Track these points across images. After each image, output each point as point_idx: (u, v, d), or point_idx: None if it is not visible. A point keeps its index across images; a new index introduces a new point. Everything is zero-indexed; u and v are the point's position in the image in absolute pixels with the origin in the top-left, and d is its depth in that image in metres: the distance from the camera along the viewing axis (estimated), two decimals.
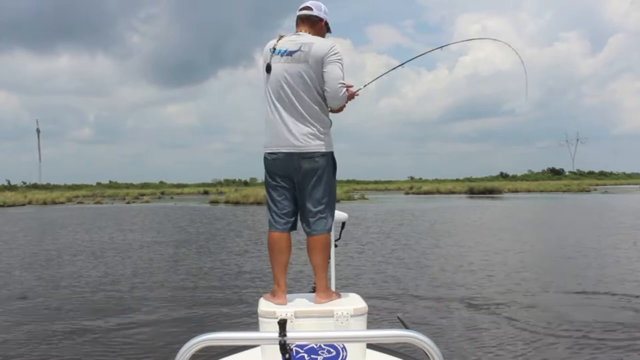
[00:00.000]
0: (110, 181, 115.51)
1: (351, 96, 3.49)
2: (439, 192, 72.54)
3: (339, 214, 3.66)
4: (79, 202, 60.47)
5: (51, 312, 8.82)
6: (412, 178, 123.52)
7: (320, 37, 3.43)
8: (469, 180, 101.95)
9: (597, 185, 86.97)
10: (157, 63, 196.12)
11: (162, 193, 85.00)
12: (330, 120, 3.48)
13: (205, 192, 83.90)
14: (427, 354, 1.67)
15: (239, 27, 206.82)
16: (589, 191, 71.12)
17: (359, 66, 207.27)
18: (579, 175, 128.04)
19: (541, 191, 74.66)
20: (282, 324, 1.73)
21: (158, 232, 22.25)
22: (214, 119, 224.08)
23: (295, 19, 3.56)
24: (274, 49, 3.35)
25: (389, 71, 4.71)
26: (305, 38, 3.36)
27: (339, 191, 53.28)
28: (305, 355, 2.79)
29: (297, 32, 3.46)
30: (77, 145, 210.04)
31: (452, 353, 6.33)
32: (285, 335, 1.70)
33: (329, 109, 3.42)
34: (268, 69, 3.35)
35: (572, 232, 20.32)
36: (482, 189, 68.13)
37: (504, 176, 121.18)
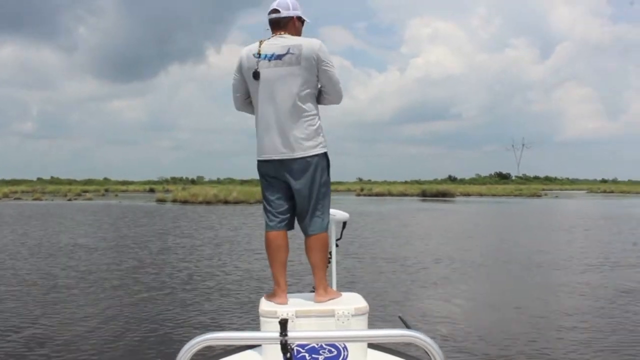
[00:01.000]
0: (52, 177, 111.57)
1: None
2: (390, 194, 71.52)
3: (340, 214, 3.67)
4: (16, 198, 57.41)
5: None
6: (360, 179, 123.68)
7: (304, 38, 3.39)
8: (418, 182, 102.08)
9: (543, 189, 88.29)
10: (105, 57, 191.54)
11: (106, 190, 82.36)
12: None
13: (152, 190, 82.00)
14: (428, 354, 1.65)
15: (190, 22, 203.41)
16: (540, 196, 71.95)
17: None
18: (525, 179, 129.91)
19: (493, 195, 74.81)
20: (283, 323, 1.71)
21: (97, 232, 20.70)
22: (162, 115, 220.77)
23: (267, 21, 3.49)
24: (259, 54, 3.28)
25: None
26: (290, 40, 3.31)
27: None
28: (307, 355, 2.76)
29: (276, 34, 3.39)
30: (19, 139, 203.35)
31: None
32: (286, 334, 1.68)
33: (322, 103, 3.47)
34: (256, 75, 3.27)
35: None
36: (434, 192, 67.83)
37: (452, 179, 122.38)
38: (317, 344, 2.79)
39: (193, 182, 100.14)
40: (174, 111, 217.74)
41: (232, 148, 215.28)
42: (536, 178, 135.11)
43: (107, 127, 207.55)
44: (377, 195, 71.56)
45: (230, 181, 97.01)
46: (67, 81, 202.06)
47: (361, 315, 3.03)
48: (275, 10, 3.40)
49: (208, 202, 43.03)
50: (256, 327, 3.12)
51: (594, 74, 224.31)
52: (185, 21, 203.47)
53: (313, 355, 2.76)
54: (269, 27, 3.44)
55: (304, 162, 3.26)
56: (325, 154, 3.37)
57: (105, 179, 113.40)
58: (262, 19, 3.63)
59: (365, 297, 3.18)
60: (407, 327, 3.63)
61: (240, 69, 3.37)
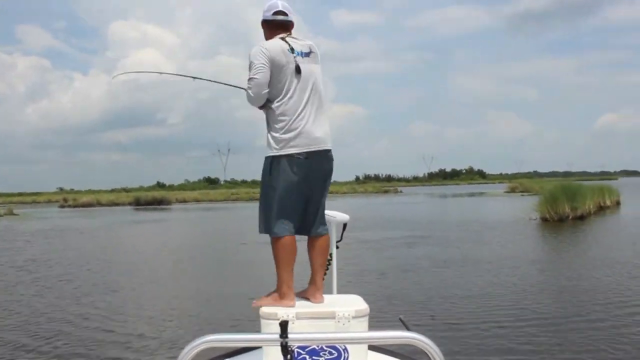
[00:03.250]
0: None
1: None
2: (99, 204, 65.12)
3: (341, 215, 3.63)
4: None
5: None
6: (62, 189, 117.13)
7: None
8: (125, 190, 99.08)
9: (254, 192, 72.15)
10: None
11: None
12: None
13: None
14: (428, 356, 1.67)
15: None
16: None
17: (9, 67, 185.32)
18: (234, 184, 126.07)
19: (210, 201, 71.85)
20: (284, 325, 1.72)
21: None
22: None
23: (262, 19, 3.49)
24: (292, 49, 3.28)
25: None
26: (306, 40, 3.43)
27: None
28: (307, 357, 2.80)
29: (285, 35, 3.39)
30: None
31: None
32: (286, 336, 1.70)
33: None
34: (298, 69, 3.26)
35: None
36: (150, 200, 63.67)
37: (161, 185, 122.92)
38: (318, 346, 2.79)
39: None
40: None
41: None
42: (244, 182, 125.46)
43: None
44: (84, 206, 63.40)
45: None
46: None
47: (361, 317, 3.00)
48: (283, 13, 3.40)
49: None
50: (257, 328, 3.08)
51: None
52: None
53: (314, 357, 2.79)
54: (262, 26, 3.46)
55: (331, 161, 3.33)
56: None
57: None
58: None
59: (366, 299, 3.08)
60: (407, 328, 3.66)
61: (271, 62, 3.22)
